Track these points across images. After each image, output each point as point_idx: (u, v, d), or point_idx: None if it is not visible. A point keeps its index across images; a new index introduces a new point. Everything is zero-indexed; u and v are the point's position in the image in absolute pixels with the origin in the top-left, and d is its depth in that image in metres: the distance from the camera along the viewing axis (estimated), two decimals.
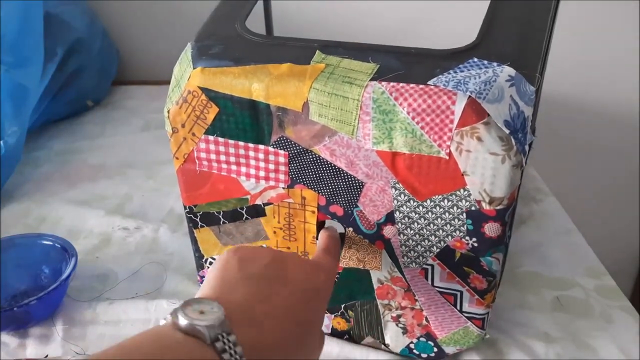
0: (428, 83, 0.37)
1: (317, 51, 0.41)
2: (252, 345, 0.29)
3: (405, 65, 0.39)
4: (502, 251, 0.42)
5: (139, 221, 0.68)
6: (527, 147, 0.38)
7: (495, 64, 0.38)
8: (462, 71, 0.38)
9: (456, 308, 0.46)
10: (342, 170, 0.42)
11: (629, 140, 0.93)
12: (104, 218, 0.69)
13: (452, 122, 0.36)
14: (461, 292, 0.45)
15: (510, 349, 0.52)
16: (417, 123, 0.37)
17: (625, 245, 1.11)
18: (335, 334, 0.53)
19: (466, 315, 0.46)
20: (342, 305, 0.51)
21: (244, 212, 0.48)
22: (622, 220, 1.06)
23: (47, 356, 0.52)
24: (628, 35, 0.85)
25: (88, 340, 0.53)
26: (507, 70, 0.38)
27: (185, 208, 0.50)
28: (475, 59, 0.39)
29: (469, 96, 0.36)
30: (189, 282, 0.60)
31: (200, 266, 0.54)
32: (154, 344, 0.26)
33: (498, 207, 0.39)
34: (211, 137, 0.44)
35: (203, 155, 0.45)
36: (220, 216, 0.49)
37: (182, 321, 0.27)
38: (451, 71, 0.38)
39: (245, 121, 0.42)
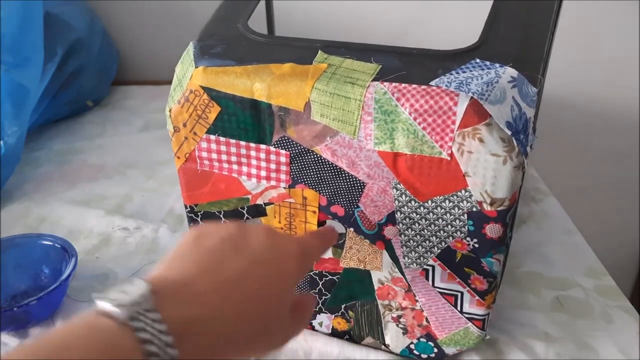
0: (430, 84, 0.37)
1: (320, 51, 0.41)
2: (187, 321, 0.27)
3: (408, 65, 0.39)
4: (503, 252, 0.42)
5: (139, 221, 0.68)
6: (528, 148, 0.38)
7: (497, 65, 0.38)
8: (464, 72, 0.38)
9: (457, 309, 0.46)
10: (344, 170, 0.42)
11: (629, 140, 0.93)
12: (104, 218, 0.69)
13: (454, 123, 0.36)
14: (462, 293, 0.45)
15: (510, 349, 0.52)
16: (419, 124, 0.37)
17: (625, 245, 1.11)
18: (336, 334, 0.53)
19: (466, 316, 0.46)
20: (343, 306, 0.51)
21: (245, 211, 0.48)
22: (622, 220, 1.06)
23: None
24: (628, 35, 0.85)
25: None
26: (509, 72, 0.38)
27: (186, 207, 0.50)
28: (478, 60, 0.39)
29: (471, 97, 0.36)
30: None
31: None
32: (67, 330, 0.25)
33: (499, 208, 0.39)
34: (212, 137, 0.44)
35: (204, 154, 0.45)
36: (221, 216, 0.49)
37: (98, 303, 0.26)
38: (453, 72, 0.38)
39: (246, 121, 0.42)
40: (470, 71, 0.38)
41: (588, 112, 0.92)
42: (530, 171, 0.78)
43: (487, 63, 0.38)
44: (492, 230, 0.40)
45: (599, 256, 0.63)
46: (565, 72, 0.88)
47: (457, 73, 0.37)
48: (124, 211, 0.71)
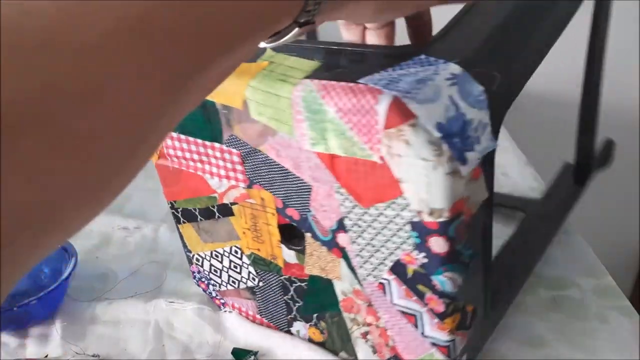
0: (358, 81, 0.34)
1: (268, 48, 0.40)
2: None
3: (352, 63, 0.37)
4: (455, 271, 0.38)
5: (139, 221, 0.68)
6: (472, 155, 0.34)
7: (441, 61, 0.35)
8: (401, 69, 0.35)
9: (418, 331, 0.42)
10: (290, 172, 0.41)
11: (629, 140, 0.88)
12: (104, 218, 0.68)
13: (377, 123, 0.33)
14: (421, 313, 0.41)
15: (507, 349, 0.50)
16: (346, 123, 0.35)
17: (625, 245, 1.09)
18: (313, 344, 0.51)
19: (429, 340, 0.42)
20: (315, 315, 0.49)
21: (215, 210, 0.48)
22: (622, 220, 1.02)
23: (47, 356, 0.53)
24: (628, 35, 0.80)
25: (88, 340, 0.54)
26: (451, 68, 0.34)
27: (168, 204, 0.52)
28: (423, 57, 0.35)
29: (394, 95, 0.33)
30: (189, 282, 0.60)
31: (189, 261, 0.56)
32: None
33: (439, 220, 0.35)
34: (175, 134, 0.45)
35: (172, 152, 0.46)
36: (197, 213, 0.50)
37: None
38: (389, 69, 0.35)
39: (198, 118, 0.42)
40: (408, 68, 0.34)
41: None
42: (529, 170, 0.75)
43: (432, 59, 0.35)
44: (436, 244, 0.36)
45: (599, 256, 0.60)
46: (566, 71, 0.84)
47: (394, 70, 0.35)
48: (124, 211, 0.70)
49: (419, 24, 0.37)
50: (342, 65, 0.37)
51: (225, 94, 0.39)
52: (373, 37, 0.38)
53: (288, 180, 0.41)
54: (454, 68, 0.34)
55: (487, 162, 0.35)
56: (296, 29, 0.26)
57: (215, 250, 0.52)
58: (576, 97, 0.58)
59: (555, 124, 0.96)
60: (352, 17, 0.33)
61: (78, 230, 0.20)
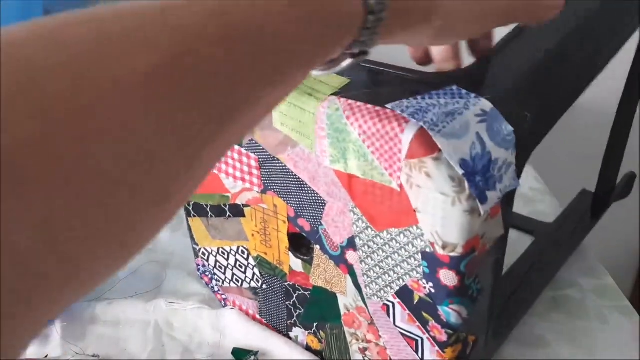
0: (385, 106, 0.34)
1: None
2: None
3: (381, 85, 0.36)
4: (462, 304, 0.37)
5: None
6: (493, 194, 0.33)
7: (472, 95, 0.34)
8: (430, 98, 0.34)
9: (417, 355, 0.42)
10: (306, 184, 0.40)
11: (628, 140, 0.86)
12: None
13: (400, 151, 0.33)
14: (422, 339, 0.41)
15: (507, 350, 0.50)
16: (368, 147, 0.34)
17: (625, 245, 1.09)
18: (310, 351, 0.51)
19: None
20: (315, 324, 0.49)
21: (227, 209, 0.48)
22: (622, 220, 1.01)
23: (47, 356, 0.52)
24: None
25: (87, 340, 0.54)
26: (482, 105, 0.33)
27: None
28: (454, 88, 0.35)
29: (420, 126, 0.32)
30: (189, 282, 0.59)
31: (195, 254, 0.56)
32: None
33: (452, 254, 0.35)
34: None
35: None
36: (208, 209, 0.50)
37: None
38: (419, 97, 0.34)
39: None
40: (438, 98, 0.34)
41: (588, 112, 0.86)
42: (530, 171, 0.75)
43: (463, 92, 0.34)
44: (446, 276, 0.36)
45: (599, 256, 0.61)
46: None
47: (423, 98, 0.34)
48: None
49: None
50: (371, 86, 0.36)
51: None
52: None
53: (303, 191, 0.41)
54: (485, 104, 0.33)
55: (507, 200, 0.35)
56: (349, 59, 0.25)
57: (222, 247, 0.52)
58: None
59: (556, 125, 0.96)
60: (409, 43, 0.31)
61: (96, 286, 0.18)
